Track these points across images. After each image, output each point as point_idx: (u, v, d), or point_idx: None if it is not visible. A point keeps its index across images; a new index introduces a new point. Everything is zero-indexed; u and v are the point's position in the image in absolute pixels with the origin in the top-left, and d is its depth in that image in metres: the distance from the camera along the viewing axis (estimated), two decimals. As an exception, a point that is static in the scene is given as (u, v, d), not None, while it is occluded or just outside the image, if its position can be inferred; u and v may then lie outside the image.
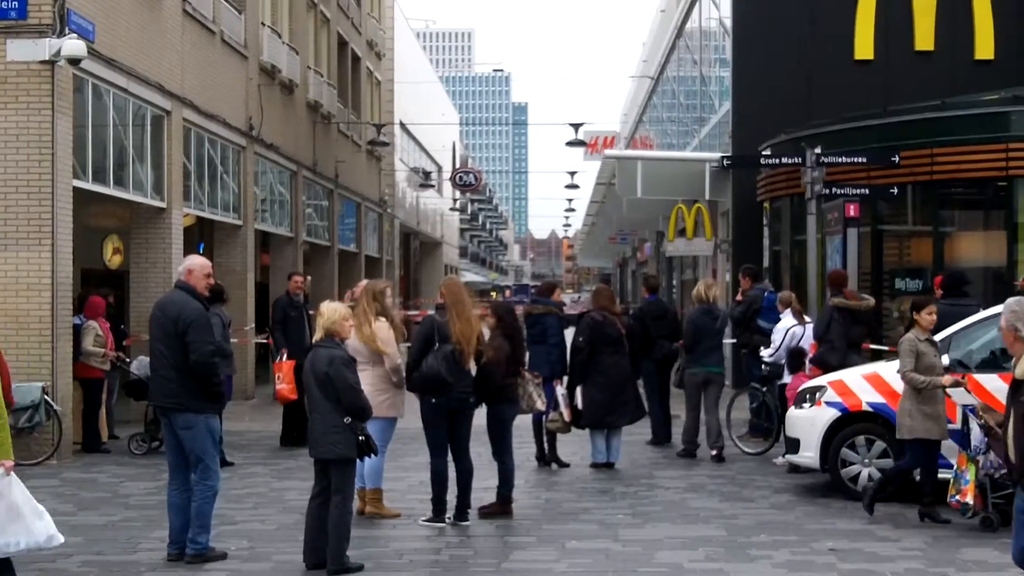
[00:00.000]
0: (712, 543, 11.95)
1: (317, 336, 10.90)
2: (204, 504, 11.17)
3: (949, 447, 13.12)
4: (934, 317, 13.17)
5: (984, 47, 27.38)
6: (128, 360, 19.13)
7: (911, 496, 13.87)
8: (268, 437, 20.02)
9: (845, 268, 21.89)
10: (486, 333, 13.37)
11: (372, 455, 10.99)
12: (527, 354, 15.08)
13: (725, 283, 29.69)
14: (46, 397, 17.00)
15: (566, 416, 16.55)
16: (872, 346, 17.88)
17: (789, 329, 17.79)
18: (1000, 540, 11.87)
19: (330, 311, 10.92)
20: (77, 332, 18.53)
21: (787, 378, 17.27)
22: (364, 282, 14.51)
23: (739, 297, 20.07)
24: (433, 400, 12.67)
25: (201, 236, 30.07)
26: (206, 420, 11.27)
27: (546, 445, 17.05)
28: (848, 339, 16.70)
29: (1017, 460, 6.60)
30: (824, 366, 16.47)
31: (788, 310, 18.18)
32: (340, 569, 10.57)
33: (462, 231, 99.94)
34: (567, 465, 16.93)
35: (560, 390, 16.70)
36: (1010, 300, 7.28)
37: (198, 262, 11.64)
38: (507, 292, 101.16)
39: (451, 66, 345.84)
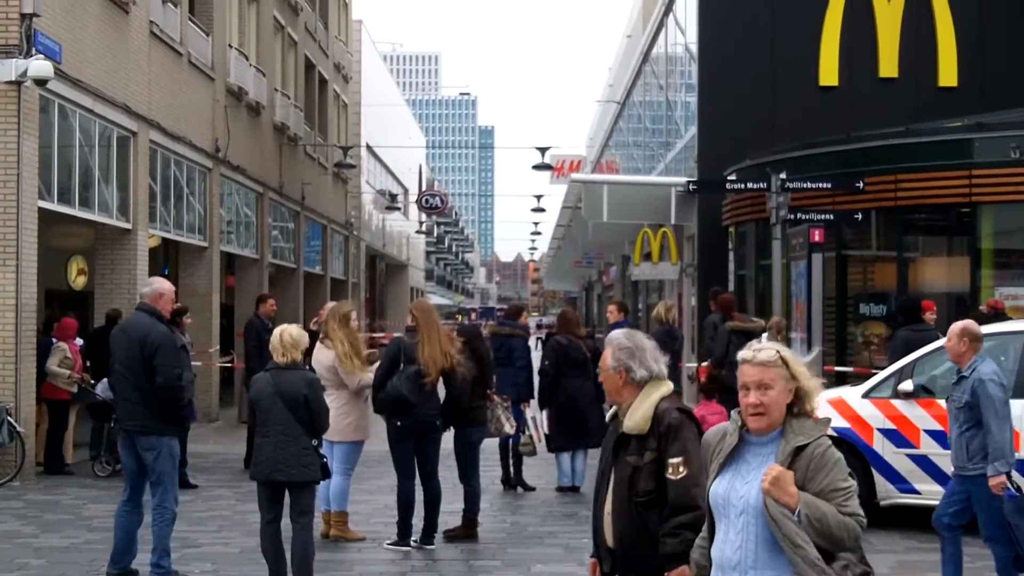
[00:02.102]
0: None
1: (283, 359, 10.72)
2: (163, 528, 11.15)
3: (913, 472, 13.15)
4: None
5: (948, 74, 27.58)
6: (93, 382, 19.05)
7: (874, 522, 13.94)
8: (232, 459, 19.94)
9: (810, 293, 22.02)
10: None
11: (327, 477, 11.00)
12: (494, 377, 15.08)
13: (691, 307, 29.78)
14: (9, 418, 16.90)
15: (536, 438, 16.57)
16: (837, 368, 17.97)
17: None
18: (965, 566, 11.93)
19: (300, 334, 10.86)
20: (46, 352, 18.43)
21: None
22: (330, 304, 14.53)
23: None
24: (399, 422, 12.67)
25: (166, 257, 29.98)
26: (169, 443, 11.28)
27: (512, 468, 17.04)
28: None
29: (615, 542, 6.20)
30: (730, 386, 16.77)
31: (770, 334, 17.93)
32: None
33: (428, 254, 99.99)
34: (532, 489, 16.93)
35: (530, 413, 16.70)
36: (616, 333, 6.42)
37: (167, 287, 11.65)
38: (472, 315, 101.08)
39: (418, 89, 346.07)
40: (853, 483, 5.13)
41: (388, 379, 12.61)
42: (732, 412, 5.24)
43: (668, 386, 6.25)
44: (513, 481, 16.99)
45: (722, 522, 5.27)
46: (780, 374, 5.18)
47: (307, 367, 11.18)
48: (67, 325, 19.08)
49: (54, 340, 18.83)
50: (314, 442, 10.57)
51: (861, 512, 5.16)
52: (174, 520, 11.24)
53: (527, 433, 16.46)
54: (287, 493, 10.62)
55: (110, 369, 11.66)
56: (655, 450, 6.06)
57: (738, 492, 5.17)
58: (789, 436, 5.15)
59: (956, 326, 10.45)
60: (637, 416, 6.15)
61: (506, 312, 19.25)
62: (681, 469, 5.96)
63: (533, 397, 17.09)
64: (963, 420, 10.08)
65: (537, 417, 16.80)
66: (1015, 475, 10.30)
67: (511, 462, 16.99)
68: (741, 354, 5.23)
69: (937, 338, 14.92)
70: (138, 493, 11.32)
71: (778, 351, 5.22)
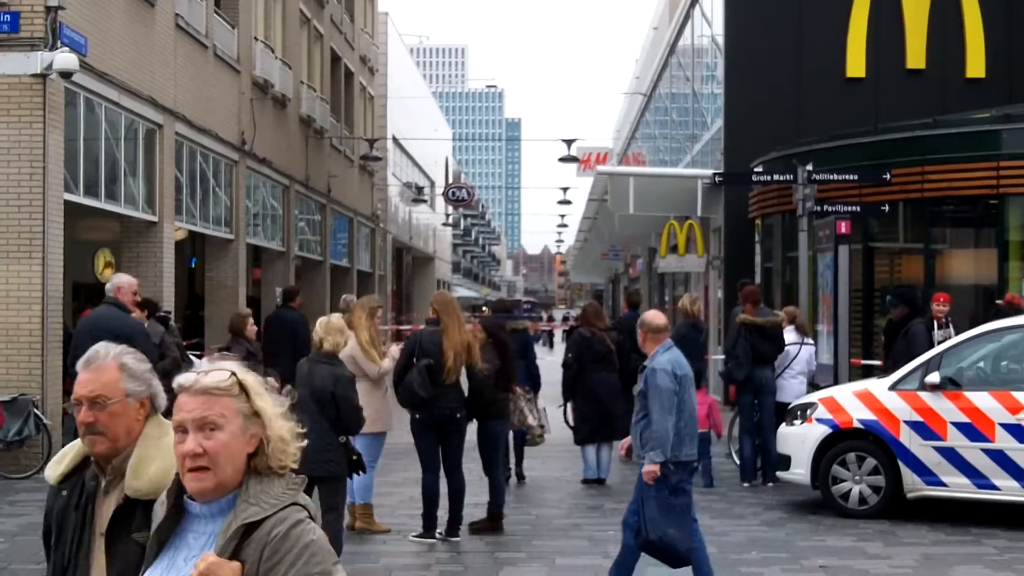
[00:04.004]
0: (702, 560, 11.92)
1: (332, 344, 10.81)
2: None
3: (940, 464, 13.11)
4: None
5: (975, 66, 27.44)
6: None
7: (901, 513, 13.90)
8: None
9: (836, 285, 21.93)
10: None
11: (361, 472, 10.98)
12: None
13: (718, 299, 29.71)
14: (35, 410, 16.96)
15: (545, 429, 16.51)
16: (863, 361, 17.89)
17: (792, 345, 17.56)
18: (992, 559, 11.89)
19: (327, 326, 10.88)
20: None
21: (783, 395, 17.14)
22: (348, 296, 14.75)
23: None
24: (417, 415, 12.70)
25: (192, 250, 30.05)
26: None
27: (515, 458, 16.96)
28: (755, 355, 16.75)
29: None
30: (730, 380, 17.22)
31: (791, 326, 17.90)
32: None
33: (455, 246, 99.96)
34: (524, 479, 16.91)
35: (540, 403, 16.66)
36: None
37: (126, 280, 11.92)
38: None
39: (444, 82, 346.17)
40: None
41: (406, 373, 12.62)
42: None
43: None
44: (515, 471, 16.93)
45: None
46: (235, 408, 3.50)
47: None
48: None
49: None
50: (342, 439, 10.58)
51: None
52: None
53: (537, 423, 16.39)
54: (315, 488, 10.61)
55: (71, 363, 11.80)
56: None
57: None
58: (240, 506, 3.46)
59: (641, 318, 10.63)
60: (151, 472, 4.02)
61: (494, 307, 19.39)
62: None
63: (536, 389, 17.01)
64: (638, 409, 10.13)
65: (546, 408, 16.77)
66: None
67: (514, 453, 16.89)
68: (178, 379, 3.53)
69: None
70: None
71: (234, 373, 3.53)
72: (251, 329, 17.69)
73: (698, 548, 10.10)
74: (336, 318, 11.14)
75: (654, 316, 10.56)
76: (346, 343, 11.01)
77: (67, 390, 14.88)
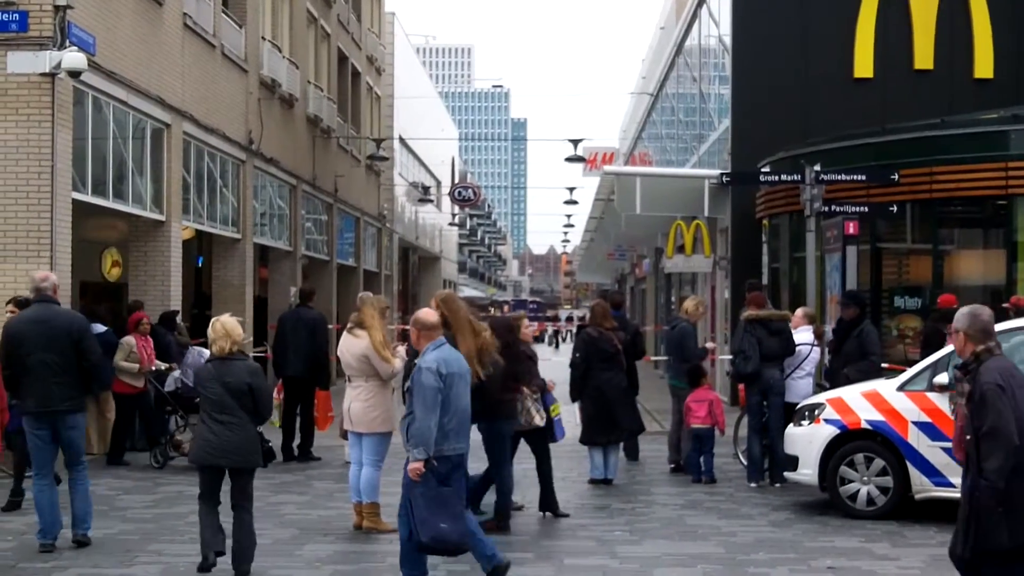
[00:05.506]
0: (710, 560, 11.93)
1: (220, 349, 10.97)
2: (88, 494, 12.43)
3: (948, 465, 13.08)
4: None
5: (983, 66, 27.40)
6: (165, 369, 18.94)
7: (909, 514, 13.89)
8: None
9: (844, 285, 21.91)
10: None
11: (271, 462, 11.44)
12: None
13: (725, 300, 29.68)
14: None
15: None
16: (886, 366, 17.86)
17: (803, 345, 17.49)
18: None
19: (233, 325, 11.12)
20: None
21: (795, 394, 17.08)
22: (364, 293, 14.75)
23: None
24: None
25: (200, 249, 30.07)
26: (83, 419, 12.73)
27: None
28: (762, 352, 16.74)
29: None
30: (738, 377, 17.24)
31: (804, 325, 17.84)
32: (247, 572, 10.94)
33: (461, 246, 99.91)
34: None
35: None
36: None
37: (54, 278, 12.66)
38: (505, 308, 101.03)
39: (451, 82, 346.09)
40: None
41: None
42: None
43: None
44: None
45: None
46: None
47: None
48: (133, 320, 18.95)
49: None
50: (259, 429, 11.06)
51: None
52: None
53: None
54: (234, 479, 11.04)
55: (20, 360, 12.10)
56: None
57: None
58: None
59: (414, 316, 10.89)
60: None
61: (611, 300, 19.35)
62: None
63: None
64: (408, 405, 10.26)
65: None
66: None
67: None
68: None
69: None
70: (52, 470, 12.36)
71: None
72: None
73: (474, 532, 10.45)
74: (225, 320, 11.20)
75: (426, 314, 10.75)
76: (233, 347, 11.05)
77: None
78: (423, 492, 9.91)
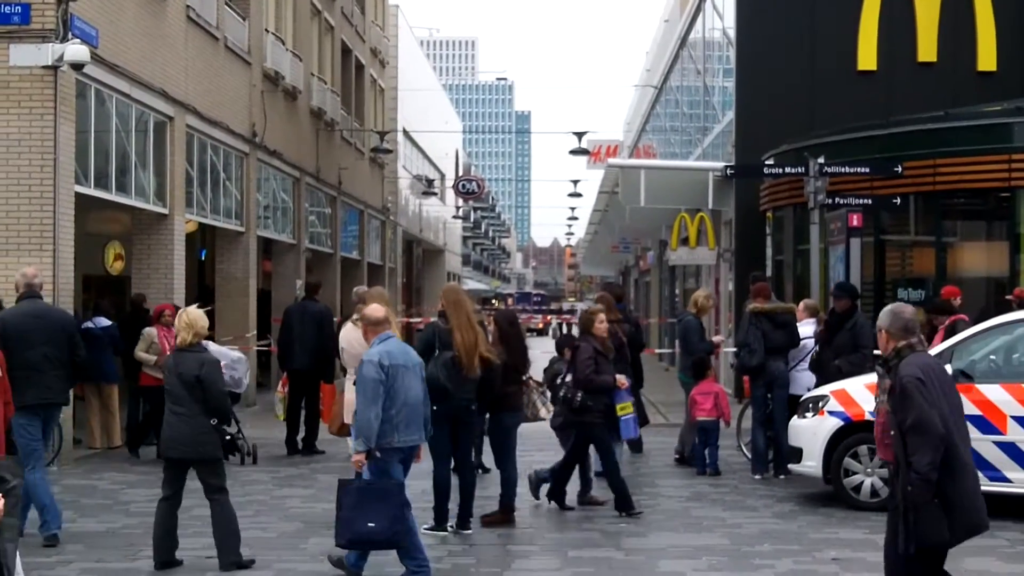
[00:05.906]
0: (715, 552, 11.93)
1: (182, 340, 11.13)
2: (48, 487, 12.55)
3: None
4: None
5: (987, 59, 27.37)
6: None
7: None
8: (269, 444, 19.93)
9: (848, 278, 21.88)
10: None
11: (235, 455, 11.39)
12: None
13: (729, 292, 29.67)
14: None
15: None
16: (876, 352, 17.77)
17: (808, 339, 17.47)
18: (1004, 551, 11.86)
19: (198, 317, 11.22)
20: (88, 336, 18.36)
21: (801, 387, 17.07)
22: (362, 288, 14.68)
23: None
24: (435, 407, 12.62)
25: (203, 242, 30.08)
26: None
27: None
28: (767, 344, 16.74)
29: None
30: (743, 370, 17.19)
31: (808, 318, 17.82)
32: (236, 563, 10.95)
33: (465, 239, 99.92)
34: (489, 471, 16.62)
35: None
36: None
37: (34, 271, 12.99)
38: (509, 300, 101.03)
39: (455, 74, 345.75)
40: None
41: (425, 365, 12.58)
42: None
43: None
44: (476, 462, 16.64)
45: None
46: None
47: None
48: (157, 311, 18.72)
49: (90, 324, 18.86)
50: (213, 422, 11.02)
51: None
52: None
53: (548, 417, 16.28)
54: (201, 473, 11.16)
55: (17, 353, 12.04)
56: None
57: None
58: None
59: (362, 312, 11.13)
60: None
61: (614, 293, 19.31)
62: None
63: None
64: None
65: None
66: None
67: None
68: None
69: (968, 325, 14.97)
70: (44, 461, 12.70)
71: None
72: None
73: (411, 532, 10.51)
74: (191, 311, 11.34)
75: (373, 310, 10.90)
76: (195, 339, 11.10)
77: None
78: (357, 488, 10.13)
